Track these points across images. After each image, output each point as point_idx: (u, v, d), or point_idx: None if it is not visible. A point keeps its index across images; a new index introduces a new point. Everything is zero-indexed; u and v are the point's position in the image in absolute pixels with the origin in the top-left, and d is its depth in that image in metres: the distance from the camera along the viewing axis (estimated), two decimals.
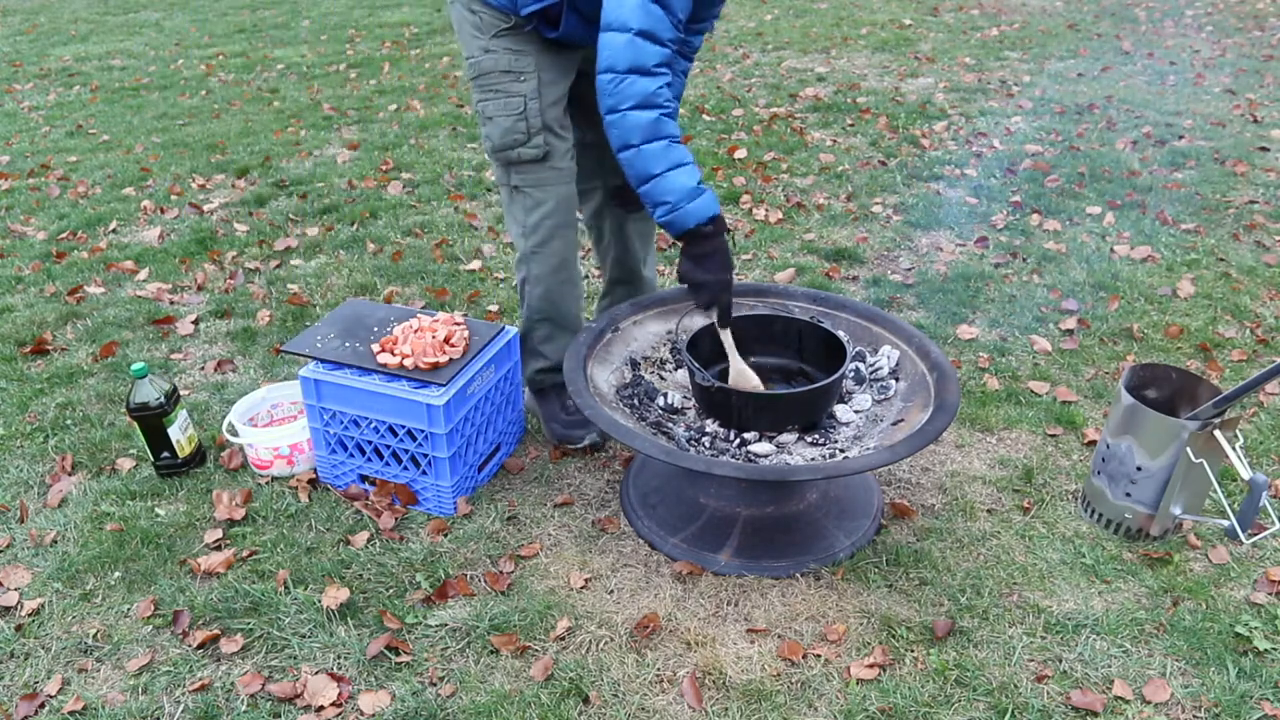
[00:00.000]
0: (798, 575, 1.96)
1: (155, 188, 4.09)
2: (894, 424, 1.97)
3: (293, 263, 3.39)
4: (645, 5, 1.73)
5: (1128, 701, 1.68)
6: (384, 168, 4.28)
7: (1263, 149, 4.26)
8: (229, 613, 1.87)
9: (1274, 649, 1.78)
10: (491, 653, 1.79)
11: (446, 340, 2.11)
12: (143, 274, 3.30)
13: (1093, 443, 2.35)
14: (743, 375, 2.05)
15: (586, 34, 1.98)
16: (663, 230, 1.95)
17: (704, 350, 2.06)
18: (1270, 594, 1.90)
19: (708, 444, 1.96)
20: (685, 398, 2.12)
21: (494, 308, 3.03)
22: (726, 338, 2.04)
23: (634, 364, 2.19)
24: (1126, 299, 3.02)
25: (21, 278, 3.29)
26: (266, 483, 2.24)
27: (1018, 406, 2.50)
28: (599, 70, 1.79)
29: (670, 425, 2.02)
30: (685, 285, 2.00)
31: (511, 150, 2.06)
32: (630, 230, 2.39)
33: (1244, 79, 5.34)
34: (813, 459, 1.93)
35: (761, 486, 2.08)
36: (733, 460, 1.90)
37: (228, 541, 2.07)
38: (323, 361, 2.10)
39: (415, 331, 2.14)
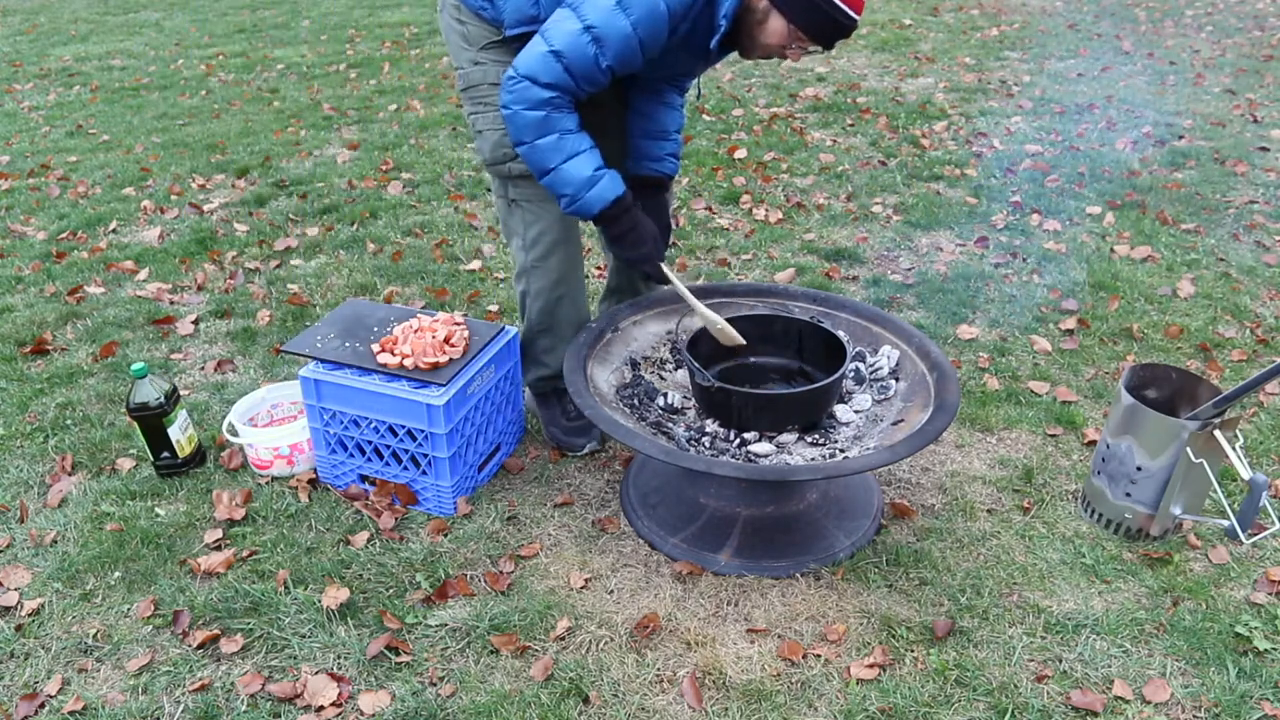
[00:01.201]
0: (798, 575, 1.96)
1: (155, 188, 4.09)
2: (894, 424, 1.97)
3: (293, 263, 3.38)
4: (577, 36, 1.74)
5: (1128, 701, 1.68)
6: (384, 168, 4.28)
7: (1263, 149, 4.26)
8: (229, 613, 1.87)
9: (1274, 649, 1.78)
10: (491, 653, 1.79)
11: (446, 340, 2.11)
12: (143, 274, 3.30)
13: (1093, 443, 2.35)
14: (716, 325, 2.04)
15: None
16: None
17: (704, 350, 2.06)
18: (1270, 594, 1.90)
19: (708, 444, 1.96)
20: (685, 398, 2.12)
21: (494, 308, 3.03)
22: (680, 289, 2.05)
23: (634, 364, 2.19)
24: (1126, 299, 3.02)
25: (21, 278, 3.29)
26: (266, 483, 2.24)
27: (1018, 406, 2.50)
28: (511, 66, 1.81)
29: (670, 425, 2.02)
30: (623, 259, 2.05)
31: (503, 164, 2.05)
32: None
33: (1244, 79, 5.34)
34: (813, 459, 1.93)
35: (761, 486, 2.08)
36: (733, 460, 1.90)
37: (228, 541, 2.07)
38: (323, 361, 2.10)
39: (415, 331, 2.14)
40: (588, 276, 2.89)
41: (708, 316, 2.04)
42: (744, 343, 2.05)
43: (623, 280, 2.45)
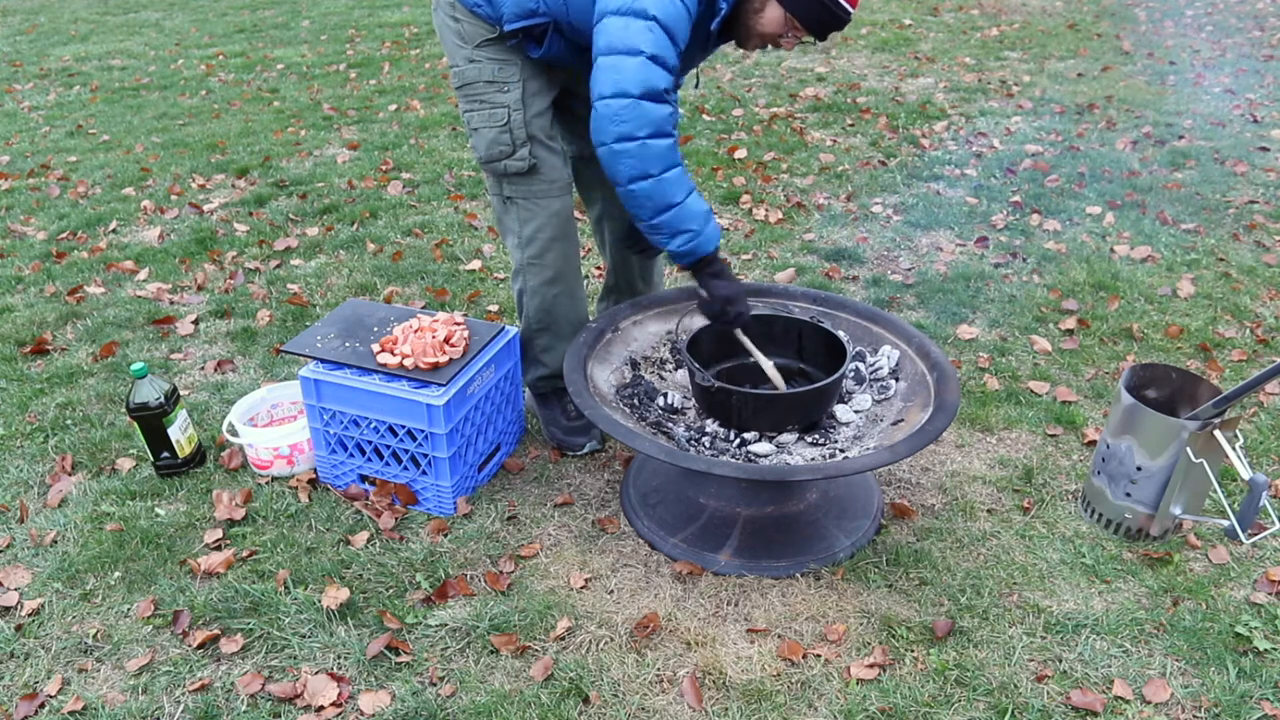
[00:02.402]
0: (798, 575, 1.96)
1: (155, 188, 4.09)
2: (894, 424, 1.97)
3: (293, 263, 3.38)
4: (655, 30, 1.69)
5: (1128, 701, 1.68)
6: (384, 168, 4.28)
7: (1263, 149, 4.26)
8: (229, 613, 1.87)
9: (1274, 649, 1.78)
10: (491, 653, 1.79)
11: (446, 340, 2.11)
12: (143, 274, 3.30)
13: (1093, 443, 2.35)
14: (774, 373, 2.04)
15: (570, 57, 1.97)
16: (673, 261, 1.91)
17: (704, 350, 2.06)
18: (1270, 594, 1.90)
19: (708, 444, 1.96)
20: (685, 398, 2.12)
21: (494, 308, 3.03)
22: (747, 341, 2.03)
23: (634, 364, 2.19)
24: (1126, 299, 3.02)
25: (21, 278, 3.29)
26: (266, 483, 2.24)
27: (1018, 406, 2.50)
28: (601, 95, 1.72)
29: (670, 425, 2.02)
30: (714, 307, 1.95)
31: (498, 162, 2.04)
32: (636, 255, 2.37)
33: (1244, 79, 5.34)
34: (813, 459, 1.93)
35: (761, 486, 2.08)
36: (733, 460, 1.90)
37: (228, 541, 2.07)
38: (323, 361, 2.10)
39: (415, 331, 2.14)
40: (587, 277, 2.89)
41: (766, 365, 2.05)
42: (783, 388, 2.04)
43: (621, 280, 2.45)
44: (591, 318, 2.26)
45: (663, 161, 1.75)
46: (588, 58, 1.80)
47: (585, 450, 2.33)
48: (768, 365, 2.04)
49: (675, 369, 2.22)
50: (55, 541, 2.08)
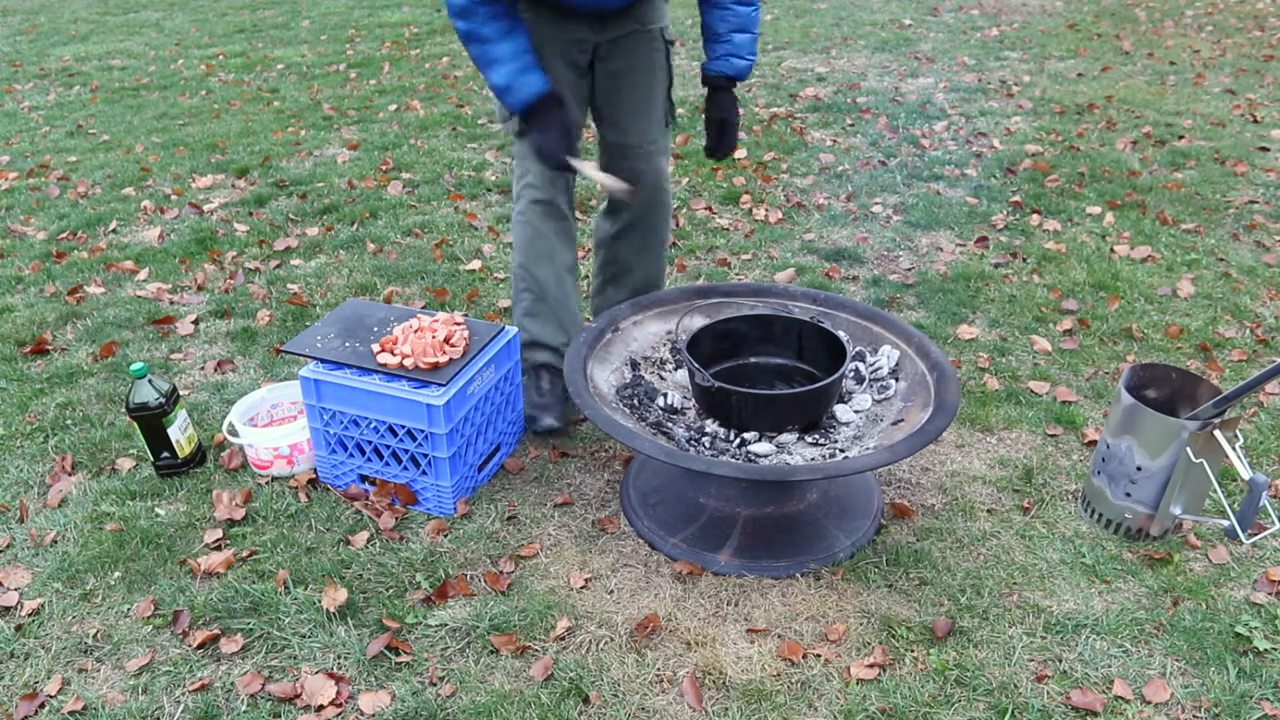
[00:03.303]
0: (798, 575, 1.96)
1: (155, 188, 4.09)
2: (894, 424, 1.97)
3: (293, 263, 3.39)
4: None
5: (1128, 701, 1.68)
6: (384, 168, 4.28)
7: (1263, 149, 4.26)
8: (229, 613, 1.87)
9: (1274, 649, 1.78)
10: (491, 653, 1.79)
11: (446, 340, 2.11)
12: (143, 274, 3.30)
13: (1093, 443, 2.35)
14: (604, 179, 2.06)
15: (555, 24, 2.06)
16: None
17: (704, 350, 2.06)
18: (1270, 594, 1.90)
19: (708, 444, 1.96)
20: (685, 398, 2.12)
21: (501, 305, 3.03)
22: (582, 168, 2.06)
23: (634, 364, 2.19)
24: (1126, 299, 3.02)
25: (21, 278, 3.29)
26: (266, 483, 2.24)
27: (1018, 406, 2.50)
28: None
29: (670, 425, 2.02)
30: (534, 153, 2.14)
31: (496, 123, 2.12)
32: (621, 243, 2.43)
33: (1244, 79, 5.34)
34: (813, 459, 1.93)
35: (761, 486, 2.08)
36: (733, 460, 1.90)
37: (228, 541, 2.07)
38: (323, 361, 2.10)
39: (415, 331, 2.14)
40: (585, 277, 2.89)
41: (594, 175, 2.06)
42: (628, 187, 2.06)
43: (611, 275, 2.50)
44: (589, 317, 2.27)
45: (462, 38, 1.98)
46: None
47: (543, 427, 2.33)
48: (600, 175, 2.05)
49: (675, 369, 2.22)
50: (55, 541, 2.08)
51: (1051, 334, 2.84)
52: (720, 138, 2.25)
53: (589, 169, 2.05)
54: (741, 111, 2.25)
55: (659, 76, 2.27)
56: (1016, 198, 3.79)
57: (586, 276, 3.09)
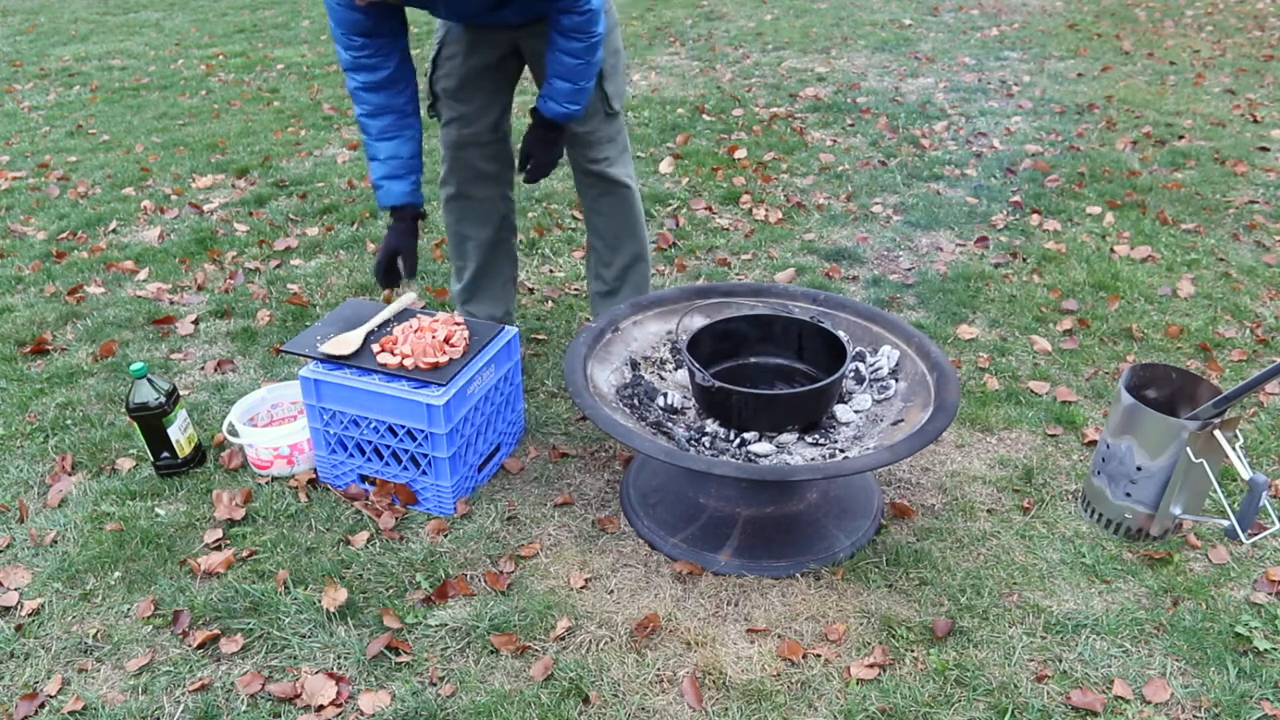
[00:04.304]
0: (798, 575, 1.96)
1: (155, 188, 4.09)
2: (894, 424, 1.97)
3: (293, 263, 3.39)
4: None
5: (1128, 701, 1.68)
6: None
7: (1263, 149, 4.26)
8: (229, 613, 1.87)
9: (1274, 649, 1.78)
10: (491, 653, 1.79)
11: (446, 340, 2.11)
12: (143, 274, 3.30)
13: (1093, 443, 2.35)
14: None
15: (475, 9, 2.13)
16: None
17: (704, 350, 2.06)
18: (1270, 594, 1.90)
19: (708, 444, 1.96)
20: (685, 398, 2.12)
21: None
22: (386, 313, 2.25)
23: (634, 364, 2.19)
24: (1126, 299, 3.02)
25: (21, 278, 3.29)
26: (266, 483, 2.24)
27: (1018, 406, 2.50)
28: None
29: (670, 425, 2.02)
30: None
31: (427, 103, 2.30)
32: (592, 215, 2.51)
33: (1244, 79, 5.34)
34: (813, 459, 1.93)
35: (761, 486, 2.08)
36: (733, 460, 1.90)
37: (228, 541, 2.07)
38: (323, 361, 2.10)
39: (415, 331, 2.14)
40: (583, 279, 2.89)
41: (390, 311, 2.24)
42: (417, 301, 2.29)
43: (592, 241, 2.57)
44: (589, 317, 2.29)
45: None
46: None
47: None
48: (390, 311, 2.23)
49: (675, 369, 2.22)
50: (55, 541, 2.08)
51: (1051, 334, 2.84)
52: (523, 164, 2.27)
53: (391, 307, 2.25)
54: (559, 158, 2.31)
55: None
56: (1016, 198, 3.79)
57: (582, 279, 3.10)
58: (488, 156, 2.41)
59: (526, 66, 2.35)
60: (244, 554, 2.02)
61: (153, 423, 2.20)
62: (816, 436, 1.99)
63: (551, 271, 3.29)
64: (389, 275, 2.22)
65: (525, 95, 2.84)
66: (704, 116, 4.88)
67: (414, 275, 2.26)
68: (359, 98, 2.09)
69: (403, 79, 2.11)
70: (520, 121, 2.43)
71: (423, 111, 2.24)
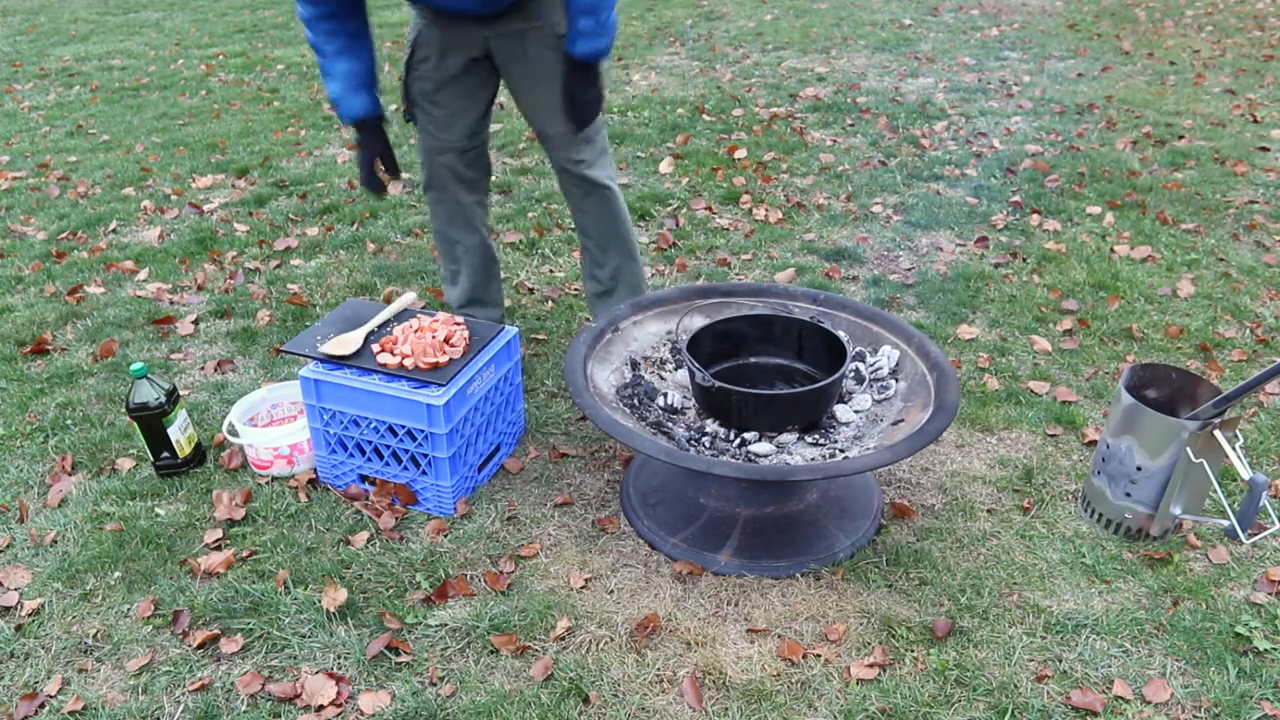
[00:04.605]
0: (798, 575, 1.96)
1: (155, 188, 4.09)
2: (894, 424, 1.97)
3: (293, 263, 3.39)
4: None
5: (1128, 701, 1.68)
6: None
7: (1263, 149, 4.26)
8: (229, 613, 1.87)
9: (1274, 649, 1.78)
10: (491, 653, 1.79)
11: (446, 340, 2.11)
12: (143, 274, 3.30)
13: (1093, 443, 2.35)
14: None
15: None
16: None
17: (704, 350, 2.06)
18: (1270, 594, 1.90)
19: (708, 444, 1.96)
20: (685, 398, 2.12)
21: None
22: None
23: (634, 364, 2.19)
24: (1126, 299, 3.02)
25: (21, 278, 3.29)
26: (266, 483, 2.24)
27: (1018, 406, 2.50)
28: None
29: (670, 425, 2.02)
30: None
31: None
32: (579, 216, 2.51)
33: (1244, 79, 5.34)
34: (813, 459, 1.93)
35: (761, 486, 2.08)
36: (733, 460, 1.90)
37: (228, 541, 2.07)
38: (323, 361, 2.10)
39: (415, 331, 2.14)
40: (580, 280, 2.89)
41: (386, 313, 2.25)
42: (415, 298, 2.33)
43: (580, 235, 2.58)
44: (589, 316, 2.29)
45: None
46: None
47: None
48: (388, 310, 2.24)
49: (675, 369, 2.22)
50: (55, 541, 2.08)
51: (1051, 334, 2.84)
52: (569, 110, 2.23)
53: (391, 307, 2.26)
54: (606, 95, 2.29)
55: (559, 71, 2.21)
56: (1016, 198, 3.79)
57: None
58: (466, 163, 2.45)
59: (503, 81, 2.35)
60: (244, 554, 2.02)
61: (153, 423, 2.20)
62: (816, 436, 1.99)
63: (551, 271, 3.29)
64: (375, 182, 2.29)
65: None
66: (704, 116, 4.88)
67: (398, 174, 2.35)
68: (313, 26, 2.10)
69: (355, 1, 2.13)
70: (516, 124, 2.43)
71: (399, 118, 2.28)
